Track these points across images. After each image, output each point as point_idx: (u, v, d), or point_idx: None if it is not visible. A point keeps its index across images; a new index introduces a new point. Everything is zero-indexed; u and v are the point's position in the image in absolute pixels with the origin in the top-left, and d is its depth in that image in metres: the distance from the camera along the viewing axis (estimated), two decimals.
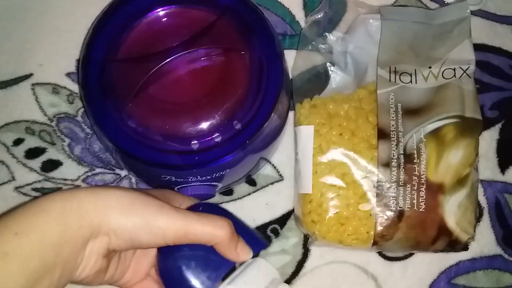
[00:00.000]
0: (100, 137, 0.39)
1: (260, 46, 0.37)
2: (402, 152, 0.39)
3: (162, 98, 0.36)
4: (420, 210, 0.38)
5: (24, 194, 0.43)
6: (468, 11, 0.43)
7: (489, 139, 0.45)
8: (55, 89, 0.46)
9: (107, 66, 0.36)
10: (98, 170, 0.44)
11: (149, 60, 0.35)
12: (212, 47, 0.36)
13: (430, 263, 0.42)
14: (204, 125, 0.35)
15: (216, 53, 0.36)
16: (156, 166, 0.36)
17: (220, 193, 0.44)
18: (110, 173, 0.44)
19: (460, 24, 0.42)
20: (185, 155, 0.35)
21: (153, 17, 0.38)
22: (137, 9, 0.38)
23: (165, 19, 0.38)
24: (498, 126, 0.45)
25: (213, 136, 0.35)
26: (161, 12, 0.38)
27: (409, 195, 0.38)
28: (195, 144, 0.35)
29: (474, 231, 0.39)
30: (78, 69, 0.38)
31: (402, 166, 0.38)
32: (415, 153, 0.38)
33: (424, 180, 0.38)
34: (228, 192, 0.44)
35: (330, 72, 0.44)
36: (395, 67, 0.42)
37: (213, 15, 0.37)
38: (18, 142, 0.44)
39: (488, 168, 0.44)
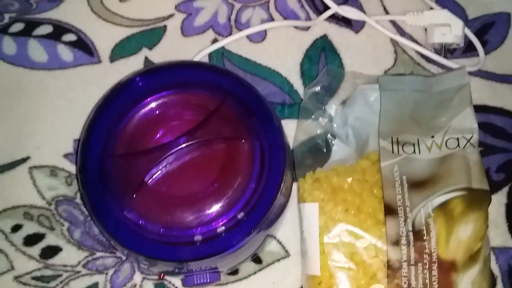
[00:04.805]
0: (100, 231, 0.38)
1: (261, 132, 0.36)
2: (411, 229, 0.38)
3: (163, 190, 0.35)
4: None
5: (24, 283, 0.42)
6: (467, 78, 0.42)
7: (497, 204, 0.44)
8: (53, 171, 0.45)
9: (106, 161, 0.35)
10: (98, 254, 0.43)
11: (150, 154, 0.35)
12: (214, 137, 0.35)
13: None
14: (207, 217, 0.34)
15: (218, 142, 0.36)
16: (157, 260, 0.35)
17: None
18: (111, 257, 0.43)
19: (460, 92, 0.42)
20: (188, 248, 0.34)
21: (153, 104, 0.37)
22: (136, 96, 0.38)
23: (166, 105, 0.37)
24: (505, 190, 0.44)
25: (216, 227, 0.34)
26: (161, 99, 0.37)
27: (421, 275, 0.37)
28: (197, 237, 0.34)
29: None
30: (76, 159, 0.38)
31: (412, 244, 0.37)
32: (424, 229, 0.37)
33: (436, 258, 0.37)
34: (233, 271, 0.43)
35: (331, 145, 0.43)
36: (397, 138, 0.41)
37: (215, 100, 0.36)
38: (16, 228, 0.44)
39: (499, 235, 0.43)
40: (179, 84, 0.38)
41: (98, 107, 0.38)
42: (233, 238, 0.34)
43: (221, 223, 0.34)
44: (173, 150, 0.35)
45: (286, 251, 0.43)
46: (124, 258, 0.43)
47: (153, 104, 0.38)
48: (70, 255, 0.43)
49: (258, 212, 0.35)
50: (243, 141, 0.36)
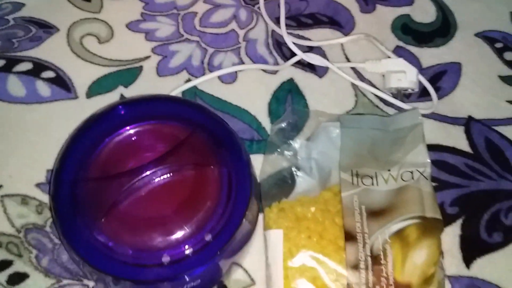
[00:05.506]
0: (70, 253, 0.39)
1: (229, 160, 0.39)
2: (369, 254, 0.40)
3: (133, 213, 0.36)
4: None
5: None
6: (420, 118, 0.46)
7: (452, 235, 0.46)
8: (24, 200, 0.46)
9: (79, 185, 0.37)
10: (65, 281, 0.43)
11: (121, 178, 0.36)
12: (184, 163, 0.37)
13: None
14: (175, 238, 0.36)
15: (187, 168, 0.38)
16: (126, 281, 0.36)
17: None
18: (78, 285, 0.43)
19: (413, 130, 0.45)
20: (156, 269, 0.35)
21: (127, 133, 0.40)
22: (111, 126, 0.40)
23: (139, 135, 0.40)
24: (459, 222, 0.47)
25: (184, 249, 0.35)
26: (135, 128, 0.40)
27: None
28: (165, 257, 0.35)
29: None
30: (50, 185, 0.39)
31: (370, 268, 0.39)
32: (382, 254, 0.40)
33: (392, 281, 0.39)
34: None
35: (296, 177, 0.46)
36: (357, 171, 0.44)
37: (185, 131, 0.39)
38: None
39: (454, 264, 0.45)
40: (153, 116, 0.40)
41: (73, 135, 0.40)
42: (200, 259, 0.36)
43: (188, 245, 0.36)
44: (143, 175, 0.36)
45: (252, 279, 0.44)
46: (90, 286, 0.43)
47: (127, 134, 0.40)
48: (36, 282, 0.43)
49: (225, 234, 0.36)
50: (211, 167, 0.38)
